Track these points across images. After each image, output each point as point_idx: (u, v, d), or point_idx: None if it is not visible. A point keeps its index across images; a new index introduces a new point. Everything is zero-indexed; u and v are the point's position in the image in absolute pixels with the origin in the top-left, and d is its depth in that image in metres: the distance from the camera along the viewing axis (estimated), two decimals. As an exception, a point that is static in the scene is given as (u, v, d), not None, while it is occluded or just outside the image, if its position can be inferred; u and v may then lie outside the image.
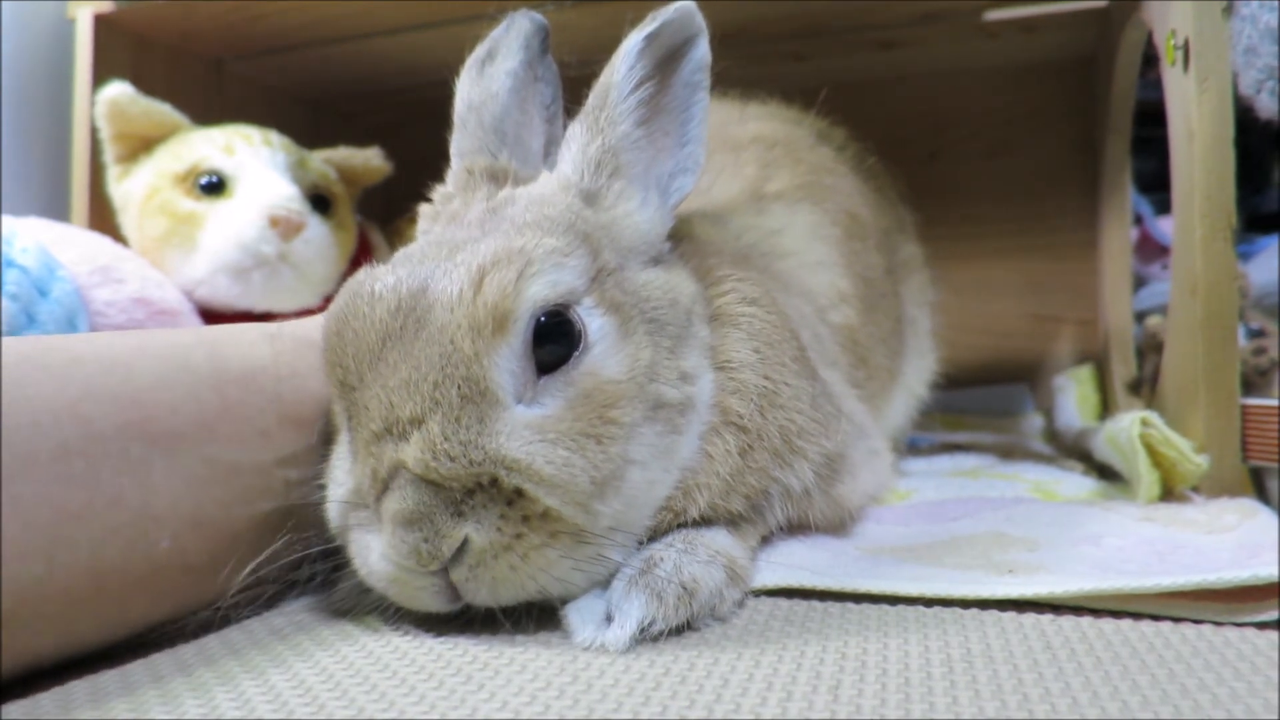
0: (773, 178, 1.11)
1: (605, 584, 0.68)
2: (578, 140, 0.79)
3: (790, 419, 0.78)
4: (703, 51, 0.81)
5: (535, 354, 0.66)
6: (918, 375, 1.32)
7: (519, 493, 0.63)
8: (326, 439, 0.76)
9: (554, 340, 0.67)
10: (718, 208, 1.03)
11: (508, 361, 0.65)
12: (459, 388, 0.63)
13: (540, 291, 0.66)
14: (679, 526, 0.74)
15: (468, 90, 0.87)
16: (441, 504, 0.62)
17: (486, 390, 0.64)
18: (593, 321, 0.69)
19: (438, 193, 0.86)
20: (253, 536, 0.69)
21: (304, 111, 2.03)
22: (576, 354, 0.67)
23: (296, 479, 0.71)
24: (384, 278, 0.69)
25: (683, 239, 0.86)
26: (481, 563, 0.63)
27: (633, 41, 0.78)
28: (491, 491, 0.63)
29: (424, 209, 0.86)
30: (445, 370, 0.64)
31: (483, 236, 0.71)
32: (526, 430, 0.64)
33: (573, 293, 0.68)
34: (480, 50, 0.89)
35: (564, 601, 0.67)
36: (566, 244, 0.70)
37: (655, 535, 0.73)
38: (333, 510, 0.70)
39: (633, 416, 0.68)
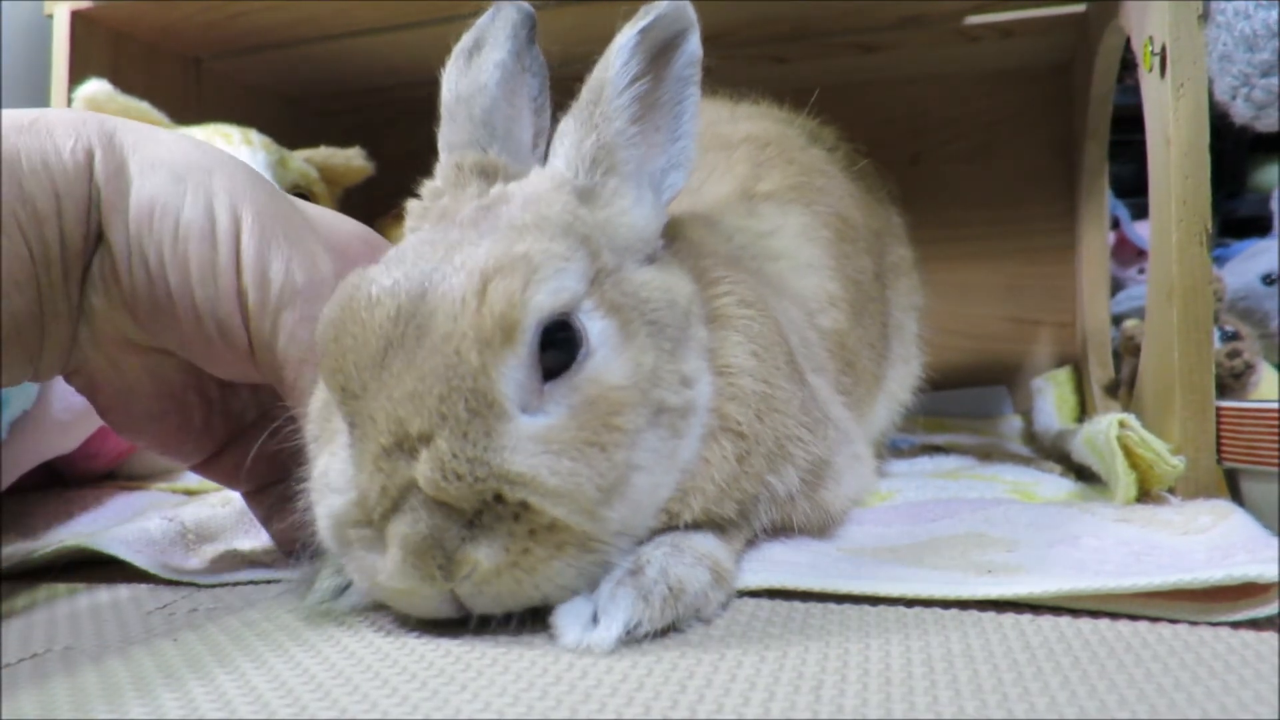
0: (764, 178, 1.10)
1: (592, 585, 0.68)
2: (571, 136, 0.78)
3: (783, 423, 0.79)
4: (694, 46, 0.80)
5: (540, 360, 0.65)
6: (901, 381, 1.32)
7: (525, 505, 0.62)
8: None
9: (557, 346, 0.66)
10: (708, 209, 1.03)
11: (515, 372, 0.64)
12: (466, 400, 0.62)
13: (546, 300, 0.64)
14: (670, 529, 0.74)
15: (455, 81, 0.85)
16: (452, 526, 0.62)
17: (493, 402, 0.63)
18: (593, 325, 0.68)
19: (426, 188, 0.84)
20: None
21: (283, 110, 2.02)
22: (579, 359, 0.66)
23: None
24: (380, 280, 0.66)
25: (675, 240, 0.86)
26: (487, 580, 0.63)
27: (627, 36, 0.77)
28: (498, 508, 0.62)
29: (412, 205, 0.84)
30: (451, 383, 0.62)
31: (480, 238, 0.69)
32: (531, 442, 0.63)
33: (575, 298, 0.67)
34: (466, 40, 0.87)
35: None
36: (567, 248, 0.68)
37: (648, 537, 0.73)
38: (329, 523, 0.68)
39: (637, 422, 0.67)
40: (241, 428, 0.88)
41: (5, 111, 0.73)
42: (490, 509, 0.62)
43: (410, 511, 0.62)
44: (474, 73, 0.85)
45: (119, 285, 0.76)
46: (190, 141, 0.81)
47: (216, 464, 0.88)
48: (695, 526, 0.75)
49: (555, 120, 0.82)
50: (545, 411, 0.65)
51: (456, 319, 0.63)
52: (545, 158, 0.81)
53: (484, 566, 0.62)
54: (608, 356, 0.68)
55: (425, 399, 0.62)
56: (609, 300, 0.70)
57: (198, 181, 0.77)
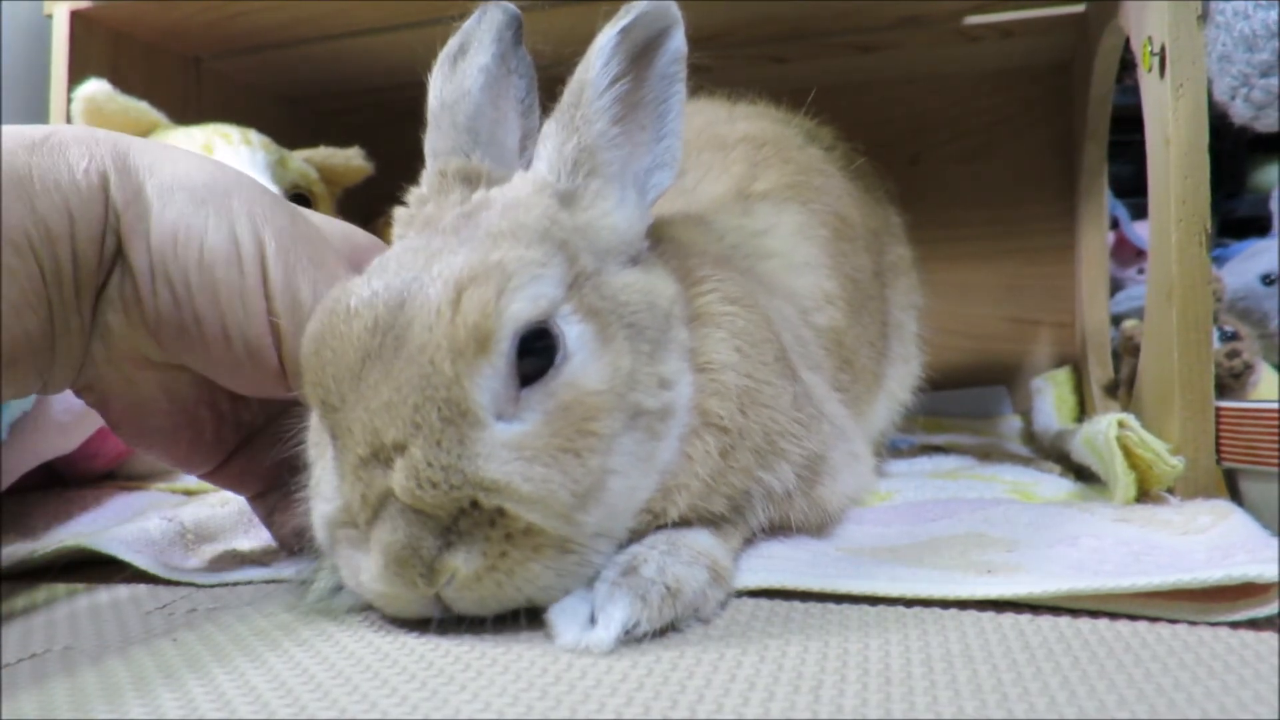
0: (760, 177, 1.10)
1: (588, 585, 0.68)
2: (553, 139, 0.78)
3: (773, 418, 0.78)
4: (678, 43, 0.79)
5: (517, 367, 0.65)
6: (900, 380, 1.31)
7: (500, 511, 0.63)
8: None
9: (534, 353, 0.66)
10: (702, 209, 1.03)
11: (489, 381, 0.64)
12: (439, 409, 0.62)
13: (521, 308, 0.65)
14: (659, 527, 0.74)
15: (440, 87, 0.85)
16: (430, 534, 0.62)
17: (467, 411, 0.63)
18: (570, 329, 0.68)
19: (412, 195, 0.84)
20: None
21: (283, 110, 2.02)
22: (556, 364, 0.67)
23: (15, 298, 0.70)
24: (359, 291, 0.67)
25: (663, 240, 0.86)
26: (468, 585, 0.63)
27: (607, 36, 0.76)
28: (475, 515, 0.63)
29: (398, 213, 0.83)
30: (426, 392, 0.63)
31: (459, 246, 0.69)
32: (504, 449, 0.63)
33: (552, 304, 0.67)
34: (452, 44, 0.86)
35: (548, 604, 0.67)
36: (544, 254, 0.68)
37: (635, 536, 0.73)
38: (320, 526, 0.70)
39: (613, 427, 0.67)
40: (249, 436, 0.89)
41: (16, 127, 0.74)
42: (467, 515, 0.63)
43: (389, 520, 0.63)
44: (458, 78, 0.84)
45: (141, 307, 0.76)
46: (205, 161, 0.82)
47: (223, 471, 0.88)
48: (687, 524, 0.75)
49: (544, 121, 0.81)
50: (521, 418, 0.65)
51: (431, 329, 0.63)
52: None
53: (463, 572, 0.63)
54: (585, 361, 0.68)
55: (400, 409, 0.63)
56: (587, 304, 0.70)
57: (218, 205, 0.77)
